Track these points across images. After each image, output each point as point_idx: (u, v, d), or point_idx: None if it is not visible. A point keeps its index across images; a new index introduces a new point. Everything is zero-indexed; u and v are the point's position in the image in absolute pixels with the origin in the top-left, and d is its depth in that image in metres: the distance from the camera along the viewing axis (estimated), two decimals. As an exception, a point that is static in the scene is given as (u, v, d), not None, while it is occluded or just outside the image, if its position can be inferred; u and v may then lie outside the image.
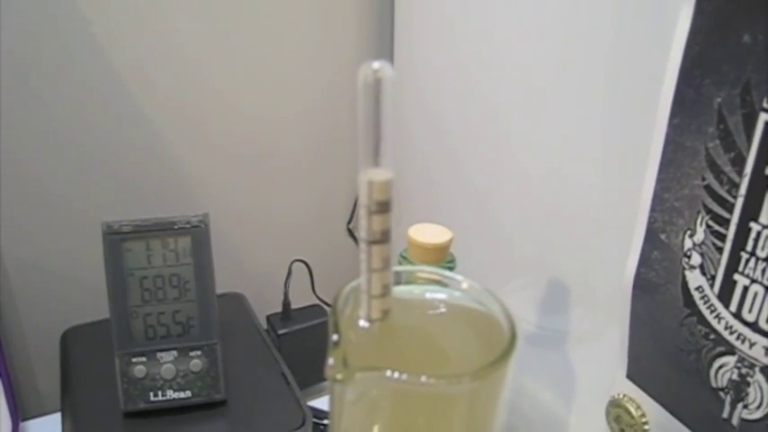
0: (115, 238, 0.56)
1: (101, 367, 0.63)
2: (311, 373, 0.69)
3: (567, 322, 0.60)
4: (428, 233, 0.46)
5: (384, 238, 0.21)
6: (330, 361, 0.21)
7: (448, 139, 0.72)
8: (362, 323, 0.21)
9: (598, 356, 0.55)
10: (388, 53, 0.83)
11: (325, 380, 0.69)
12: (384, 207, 0.20)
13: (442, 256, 0.47)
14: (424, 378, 0.19)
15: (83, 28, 0.67)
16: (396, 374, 0.20)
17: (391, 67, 0.19)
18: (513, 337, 0.22)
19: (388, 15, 0.81)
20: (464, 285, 0.24)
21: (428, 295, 0.24)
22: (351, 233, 0.94)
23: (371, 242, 0.20)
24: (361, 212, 0.21)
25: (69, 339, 0.69)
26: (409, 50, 0.78)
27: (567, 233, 0.58)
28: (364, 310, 0.22)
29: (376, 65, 0.19)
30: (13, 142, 0.68)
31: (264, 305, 0.76)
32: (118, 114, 0.72)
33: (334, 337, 0.21)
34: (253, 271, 0.84)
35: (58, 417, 0.69)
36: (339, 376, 0.20)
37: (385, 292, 0.21)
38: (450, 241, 0.46)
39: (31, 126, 0.69)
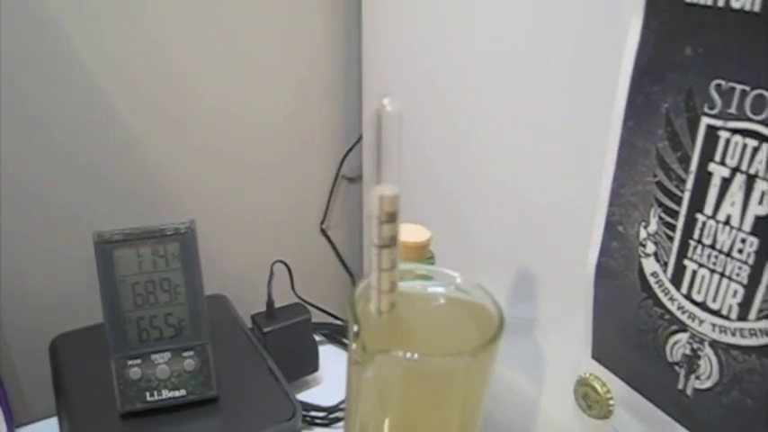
0: (106, 247, 0.58)
1: (93, 371, 0.65)
2: (296, 368, 0.73)
3: (534, 311, 0.64)
4: (408, 232, 0.49)
5: (392, 242, 0.24)
6: (353, 347, 0.24)
7: (416, 142, 0.75)
8: (373, 315, 0.25)
9: (565, 342, 0.59)
10: (356, 58, 0.86)
11: (309, 373, 0.73)
12: (392, 217, 0.24)
13: (423, 254, 0.50)
14: (430, 357, 0.23)
15: (63, 39, 0.69)
16: (407, 355, 0.23)
17: (398, 102, 0.22)
18: (502, 322, 0.26)
19: (356, 21, 0.85)
20: (458, 280, 0.28)
21: (429, 289, 0.28)
22: (324, 233, 0.97)
23: (382, 246, 0.24)
24: (373, 222, 0.24)
25: (59, 346, 0.71)
26: (377, 54, 0.81)
27: (532, 229, 0.62)
28: (375, 304, 0.25)
29: (386, 100, 0.22)
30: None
31: (245, 305, 0.79)
32: (99, 122, 0.74)
33: (355, 327, 0.25)
34: (232, 273, 0.87)
35: (49, 423, 0.71)
36: (360, 359, 0.24)
37: (392, 287, 0.25)
38: (430, 240, 0.49)
39: (19, 136, 0.70)
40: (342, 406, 0.73)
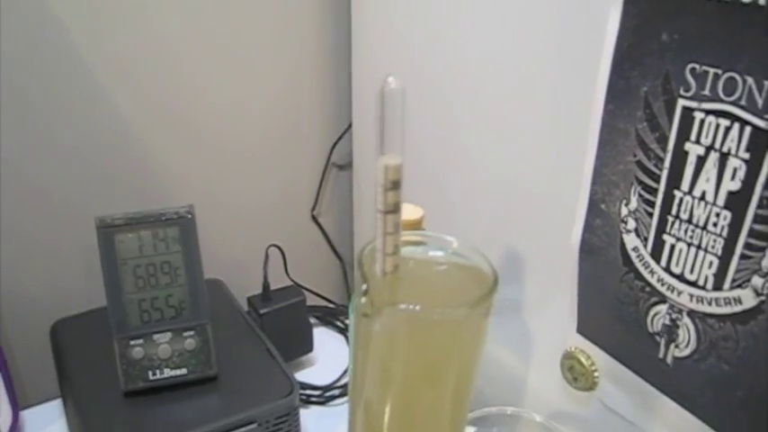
0: (108, 231, 0.60)
1: (94, 354, 0.67)
2: (292, 349, 0.75)
3: (521, 291, 0.66)
4: (403, 211, 0.51)
5: (396, 208, 0.26)
6: (362, 300, 0.27)
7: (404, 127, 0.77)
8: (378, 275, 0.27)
9: (551, 319, 0.62)
10: (345, 48, 0.88)
11: (304, 354, 0.75)
12: (396, 185, 0.26)
13: (418, 230, 0.52)
14: (431, 308, 0.26)
15: (62, 33, 0.70)
16: (411, 307, 0.26)
17: (399, 80, 0.24)
18: (496, 279, 0.28)
19: (345, 12, 0.87)
20: (455, 245, 0.31)
21: (429, 253, 0.31)
22: (315, 219, 0.99)
23: (386, 212, 0.26)
24: (378, 190, 0.27)
25: (59, 330, 0.73)
26: (366, 44, 0.83)
27: (517, 211, 0.64)
28: (380, 265, 0.28)
29: (390, 79, 0.24)
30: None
31: (239, 290, 0.81)
32: (96, 114, 0.75)
33: (364, 286, 0.27)
34: (225, 258, 0.88)
35: (51, 405, 0.73)
36: (369, 312, 0.26)
37: (396, 250, 0.27)
38: (423, 217, 0.52)
39: (19, 127, 0.72)
40: (337, 384, 0.76)
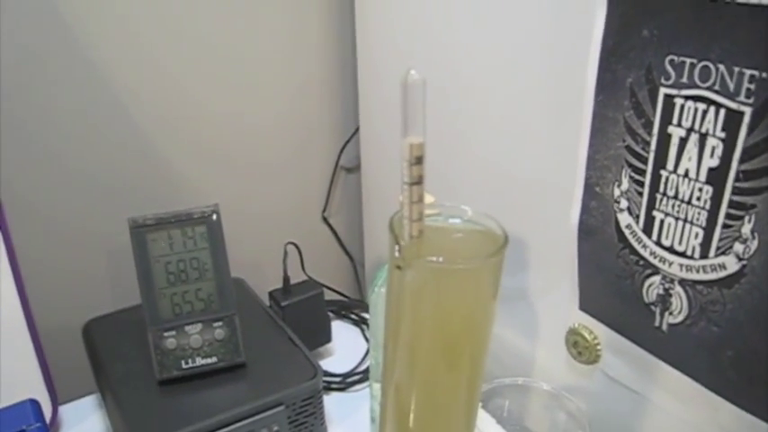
0: (141, 231, 0.65)
1: (127, 349, 0.72)
2: (312, 339, 0.79)
3: (525, 277, 0.70)
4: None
5: (419, 180, 0.31)
6: (396, 254, 0.32)
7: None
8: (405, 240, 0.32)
9: (554, 300, 0.66)
10: (350, 56, 0.93)
11: (323, 344, 0.80)
12: (419, 160, 0.31)
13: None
14: (453, 260, 0.31)
15: (78, 52, 0.75)
16: (436, 259, 0.31)
17: (419, 73, 0.29)
18: (506, 237, 0.33)
19: (349, 23, 0.92)
20: (469, 213, 0.36)
21: (449, 221, 0.36)
22: (326, 221, 1.04)
23: (412, 183, 0.31)
24: (404, 165, 0.31)
25: (92, 329, 0.77)
26: (370, 51, 0.88)
27: (517, 200, 0.67)
28: (406, 231, 0.32)
29: (412, 72, 0.29)
30: (18, 154, 0.76)
31: (258, 287, 0.85)
32: (116, 131, 0.81)
33: (396, 247, 0.32)
34: (244, 259, 0.93)
35: (84, 401, 0.78)
36: (402, 264, 0.31)
37: (420, 217, 0.32)
38: (434, 203, 0.56)
39: (53, 129, 0.77)
40: (356, 371, 0.80)
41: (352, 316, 0.91)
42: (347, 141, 1.00)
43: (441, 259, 0.31)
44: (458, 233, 0.35)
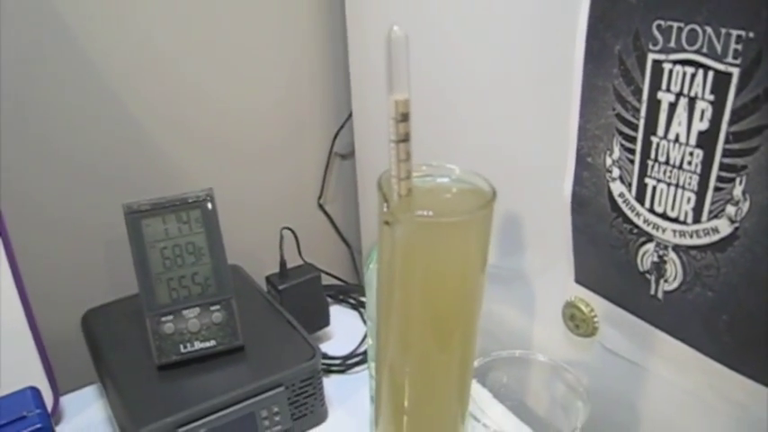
0: (136, 216, 0.65)
1: (126, 337, 0.73)
2: (310, 322, 0.79)
3: (521, 257, 0.70)
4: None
5: (406, 138, 0.31)
6: (384, 209, 0.32)
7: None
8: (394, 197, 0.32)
9: (550, 275, 0.66)
10: (341, 44, 0.93)
11: (321, 328, 0.80)
12: (405, 117, 0.31)
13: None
14: (441, 214, 0.31)
15: (73, 42, 0.75)
16: (425, 213, 0.31)
17: (402, 29, 0.29)
18: (494, 192, 0.34)
19: (339, 11, 0.92)
20: (457, 171, 0.36)
21: (437, 180, 0.36)
22: (321, 207, 1.04)
23: (399, 141, 0.31)
24: (390, 123, 0.31)
25: (91, 319, 0.78)
26: (361, 39, 0.88)
27: (510, 176, 0.66)
28: (395, 189, 0.32)
29: (395, 27, 0.29)
30: (18, 148, 0.76)
31: (254, 274, 0.85)
32: (111, 117, 0.81)
33: (385, 205, 0.32)
34: (240, 246, 0.93)
35: (84, 391, 0.78)
36: (391, 219, 0.31)
37: (408, 175, 0.32)
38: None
39: (49, 124, 0.77)
40: (355, 353, 0.80)
41: (351, 300, 0.91)
42: (340, 127, 1.00)
43: (430, 213, 0.31)
44: (447, 193, 0.35)
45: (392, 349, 0.41)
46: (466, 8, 0.67)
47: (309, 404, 0.68)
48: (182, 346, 0.67)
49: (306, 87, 0.96)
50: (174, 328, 0.66)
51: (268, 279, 0.80)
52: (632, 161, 0.52)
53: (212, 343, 0.67)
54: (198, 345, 0.67)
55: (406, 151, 0.31)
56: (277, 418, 0.65)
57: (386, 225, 0.32)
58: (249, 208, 0.96)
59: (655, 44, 0.47)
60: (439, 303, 0.36)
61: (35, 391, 0.62)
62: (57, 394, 0.73)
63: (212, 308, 0.67)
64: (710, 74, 0.45)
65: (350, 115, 0.98)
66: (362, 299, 0.91)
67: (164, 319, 0.66)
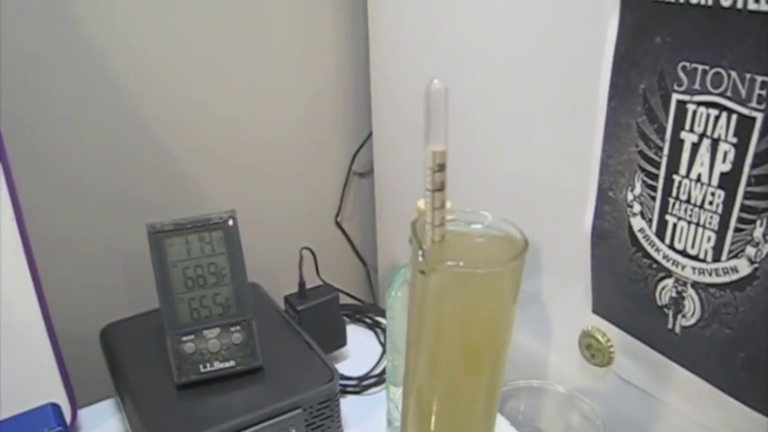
0: (159, 236, 0.66)
1: (145, 353, 0.73)
2: (327, 342, 0.80)
3: (539, 282, 0.71)
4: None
5: (442, 187, 0.32)
6: (420, 259, 0.33)
7: (418, 129, 0.83)
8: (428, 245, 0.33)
9: (567, 304, 0.66)
10: (363, 64, 0.94)
11: (338, 348, 0.81)
12: (442, 168, 0.32)
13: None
14: (474, 265, 0.32)
15: (93, 62, 0.77)
16: (458, 263, 0.32)
17: (441, 82, 0.30)
18: (526, 242, 0.34)
19: (362, 33, 0.93)
20: (489, 218, 0.37)
21: (471, 227, 0.37)
22: (339, 225, 1.05)
23: (434, 190, 0.32)
24: (426, 172, 0.32)
25: (109, 334, 0.79)
26: (383, 59, 0.89)
27: (531, 205, 0.68)
28: (429, 235, 0.33)
29: (435, 81, 0.30)
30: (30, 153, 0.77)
31: (272, 292, 0.86)
32: (132, 136, 0.82)
33: (420, 252, 0.33)
34: (259, 264, 0.94)
35: (102, 405, 0.79)
36: (425, 269, 0.32)
37: (442, 222, 0.33)
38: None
39: (69, 133, 0.78)
40: (371, 374, 0.81)
41: (367, 320, 0.92)
42: (360, 146, 1.01)
43: (463, 264, 0.32)
44: (479, 238, 0.36)
45: (421, 374, 0.41)
46: (491, 41, 0.67)
47: (326, 426, 0.68)
48: (201, 366, 0.67)
49: (327, 106, 0.97)
50: (195, 348, 0.67)
51: (287, 299, 0.81)
52: (653, 198, 0.53)
53: (231, 363, 0.68)
54: (217, 365, 0.68)
55: (441, 200, 0.32)
56: (294, 440, 0.66)
57: (420, 274, 0.33)
58: (268, 226, 0.97)
59: (680, 85, 0.48)
60: (469, 341, 0.37)
61: (56, 408, 0.63)
62: (75, 408, 0.74)
63: (232, 328, 0.68)
64: (734, 117, 0.45)
65: (369, 134, 0.98)
66: (378, 318, 0.92)
67: (185, 338, 0.67)
